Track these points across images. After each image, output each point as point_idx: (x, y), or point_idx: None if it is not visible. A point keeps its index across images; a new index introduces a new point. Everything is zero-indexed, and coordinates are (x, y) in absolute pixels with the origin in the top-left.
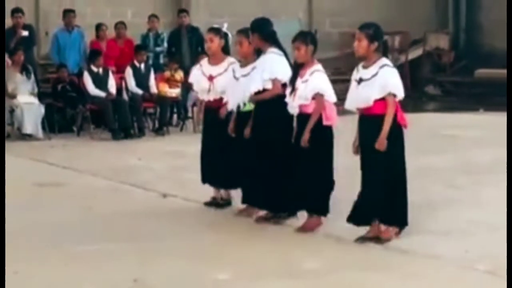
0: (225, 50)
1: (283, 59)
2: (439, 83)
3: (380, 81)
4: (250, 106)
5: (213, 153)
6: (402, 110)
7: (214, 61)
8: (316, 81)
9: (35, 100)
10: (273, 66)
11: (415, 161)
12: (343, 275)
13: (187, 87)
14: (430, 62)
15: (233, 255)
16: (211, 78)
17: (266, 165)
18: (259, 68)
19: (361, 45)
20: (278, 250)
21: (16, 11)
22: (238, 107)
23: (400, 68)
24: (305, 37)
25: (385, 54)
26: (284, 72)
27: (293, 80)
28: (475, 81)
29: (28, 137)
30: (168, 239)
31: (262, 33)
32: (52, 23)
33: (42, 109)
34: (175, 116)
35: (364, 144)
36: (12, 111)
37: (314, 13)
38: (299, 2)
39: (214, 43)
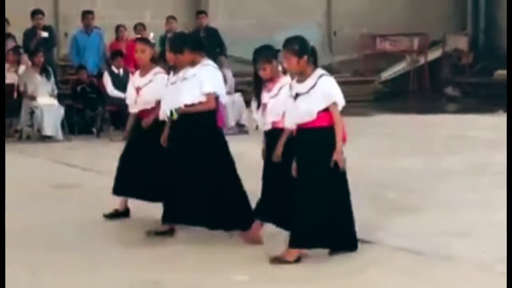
0: (153, 60)
1: (219, 73)
2: (458, 85)
3: (321, 91)
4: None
5: (134, 163)
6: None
7: (143, 72)
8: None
9: (54, 102)
10: (210, 79)
11: (434, 162)
12: (362, 277)
13: None
14: (449, 64)
15: (252, 257)
16: (138, 89)
17: (192, 181)
18: (194, 80)
19: (291, 63)
20: None
21: (36, 12)
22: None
23: (419, 69)
24: (267, 56)
25: (315, 60)
26: (220, 87)
27: (257, 94)
28: (494, 82)
29: (48, 138)
30: (184, 242)
31: (193, 46)
32: (71, 24)
33: (61, 111)
34: None
35: (303, 160)
36: (32, 112)
37: (333, 15)
38: (318, 5)
39: (145, 54)
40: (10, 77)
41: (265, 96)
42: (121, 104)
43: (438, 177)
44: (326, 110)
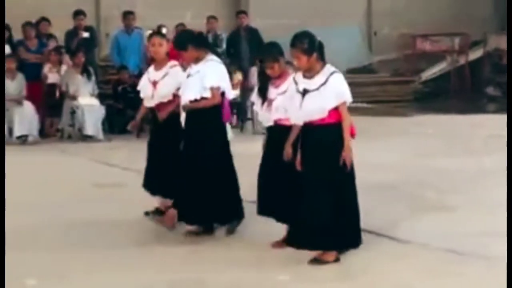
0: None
1: (222, 67)
2: (499, 84)
3: (334, 90)
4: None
5: (154, 160)
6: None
7: (159, 66)
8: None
9: (95, 102)
10: (214, 74)
11: (474, 162)
12: (397, 275)
13: (246, 88)
14: (490, 63)
15: (292, 257)
16: (154, 83)
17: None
18: (197, 76)
19: (302, 62)
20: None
21: (78, 13)
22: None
23: (460, 69)
24: (274, 54)
25: (323, 56)
26: (225, 81)
27: (263, 90)
28: None
29: (89, 138)
30: (224, 241)
31: (197, 43)
32: (112, 25)
33: (102, 111)
34: (235, 117)
35: (311, 157)
36: (73, 112)
37: (373, 15)
38: (358, 5)
39: (163, 47)
40: (52, 77)
41: (273, 92)
42: None
43: (477, 177)
44: (335, 107)
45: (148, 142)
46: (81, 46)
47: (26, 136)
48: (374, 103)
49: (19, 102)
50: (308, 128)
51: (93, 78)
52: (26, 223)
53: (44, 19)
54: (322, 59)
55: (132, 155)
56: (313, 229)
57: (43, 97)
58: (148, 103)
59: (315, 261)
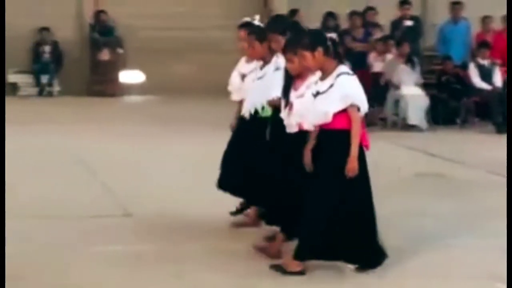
0: None
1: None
2: None
3: (338, 91)
4: (267, 112)
5: (233, 157)
6: (365, 128)
7: (249, 59)
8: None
9: (419, 91)
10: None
11: None
12: None
13: None
14: None
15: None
16: (243, 76)
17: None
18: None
19: (307, 61)
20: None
21: (404, 2)
22: (256, 112)
23: None
24: (293, 46)
25: (338, 54)
26: None
27: (285, 91)
28: None
29: (412, 127)
30: None
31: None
32: (439, 15)
33: (426, 101)
34: None
35: (320, 165)
36: (397, 101)
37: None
38: None
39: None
40: (377, 66)
41: (292, 95)
42: (487, 96)
43: None
44: (344, 112)
45: (231, 138)
46: (406, 36)
47: None
48: None
49: None
50: (321, 132)
51: (417, 67)
52: None
53: (370, 8)
54: (337, 58)
55: (454, 146)
56: (314, 238)
57: (368, 86)
58: (234, 96)
59: (277, 268)
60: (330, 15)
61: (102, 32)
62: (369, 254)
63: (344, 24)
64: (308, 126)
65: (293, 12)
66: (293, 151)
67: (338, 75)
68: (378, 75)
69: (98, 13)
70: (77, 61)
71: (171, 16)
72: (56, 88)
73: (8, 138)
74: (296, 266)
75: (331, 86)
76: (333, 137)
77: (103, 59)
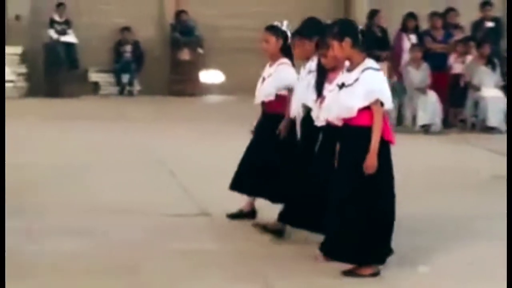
0: (284, 51)
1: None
2: None
3: (363, 86)
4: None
5: (253, 157)
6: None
7: (271, 62)
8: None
9: (500, 93)
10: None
11: None
12: None
13: None
14: None
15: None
16: (263, 80)
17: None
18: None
19: (335, 51)
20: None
21: (485, 4)
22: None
23: None
24: (325, 37)
25: (367, 47)
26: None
27: (318, 84)
28: None
29: (492, 129)
30: None
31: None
32: None
33: (506, 103)
34: None
35: (343, 162)
36: (476, 103)
37: None
38: None
39: (269, 44)
40: (458, 68)
41: (326, 89)
42: None
43: None
44: (368, 108)
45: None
46: (487, 37)
47: (429, 125)
48: None
49: (423, 91)
50: (342, 127)
51: (498, 69)
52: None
53: (451, 9)
54: (360, 49)
55: None
56: (340, 241)
57: (447, 87)
58: (255, 99)
59: (349, 273)
60: (410, 16)
61: (183, 32)
62: (381, 251)
63: (424, 25)
64: (333, 119)
65: (373, 13)
66: (321, 146)
67: (364, 70)
68: (458, 76)
69: (179, 13)
70: (158, 61)
71: (251, 16)
72: (137, 87)
73: (89, 135)
74: (368, 269)
75: (357, 80)
76: (357, 134)
77: (184, 59)
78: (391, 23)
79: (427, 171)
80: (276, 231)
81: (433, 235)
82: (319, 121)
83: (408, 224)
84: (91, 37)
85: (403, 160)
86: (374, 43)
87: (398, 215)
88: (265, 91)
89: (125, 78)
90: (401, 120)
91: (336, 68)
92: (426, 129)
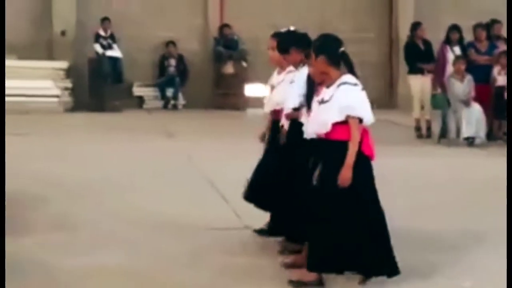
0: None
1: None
2: None
3: (337, 101)
4: None
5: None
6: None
7: (280, 70)
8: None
9: None
10: None
11: None
12: None
13: None
14: None
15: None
16: (272, 88)
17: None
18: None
19: (312, 62)
20: None
21: None
22: None
23: None
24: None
25: (349, 66)
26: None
27: (308, 96)
28: None
29: None
30: None
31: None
32: None
33: None
34: None
35: (323, 176)
36: None
37: None
38: None
39: (276, 51)
40: (502, 80)
41: (314, 101)
42: None
43: None
44: (346, 123)
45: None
46: None
47: (473, 138)
48: None
49: (467, 104)
50: (322, 142)
51: None
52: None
53: (496, 21)
54: (348, 69)
55: None
56: (321, 250)
57: (491, 100)
58: (265, 107)
59: (294, 283)
60: (454, 28)
61: (227, 46)
62: (386, 264)
63: (468, 37)
64: (307, 134)
65: (415, 25)
66: (305, 158)
67: (339, 85)
68: (502, 89)
69: (223, 27)
70: (202, 74)
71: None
72: (181, 101)
73: (132, 148)
74: (311, 276)
75: (332, 96)
76: (333, 148)
77: (228, 72)
78: (436, 35)
79: (472, 184)
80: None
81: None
82: (307, 134)
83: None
84: (135, 51)
85: (451, 173)
86: (417, 57)
87: (441, 229)
88: (277, 99)
89: (170, 92)
90: (445, 132)
91: (324, 81)
92: (470, 141)
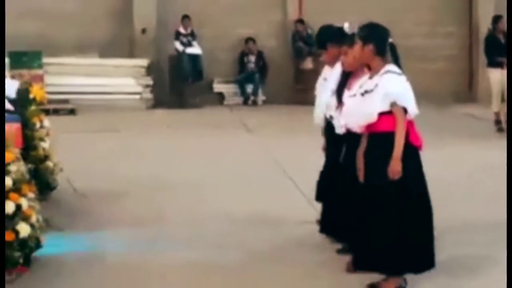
0: None
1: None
2: None
3: (381, 90)
4: None
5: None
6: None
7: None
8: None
9: None
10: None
11: None
12: None
13: None
14: None
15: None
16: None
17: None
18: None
19: (356, 51)
20: None
21: None
22: None
23: None
24: (353, 37)
25: (394, 56)
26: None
27: (338, 90)
28: None
29: None
30: None
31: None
32: None
33: None
34: None
35: (369, 171)
36: None
37: None
38: None
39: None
40: None
41: (346, 94)
42: None
43: None
44: (391, 113)
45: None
46: None
47: None
48: None
49: None
50: (368, 135)
51: None
52: None
53: None
54: (392, 59)
55: None
56: (373, 251)
57: None
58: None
59: (374, 287)
60: None
61: (306, 41)
62: (427, 258)
63: None
64: (354, 127)
65: (496, 18)
66: (345, 156)
67: (383, 74)
68: None
69: (296, 22)
70: (281, 70)
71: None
72: (261, 97)
73: (213, 144)
74: (392, 283)
75: (376, 85)
76: (381, 140)
77: (307, 68)
78: None
79: None
80: None
81: None
82: (340, 129)
83: None
84: (215, 48)
85: None
86: (497, 50)
87: None
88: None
89: (249, 88)
90: None
91: (356, 73)
92: None
